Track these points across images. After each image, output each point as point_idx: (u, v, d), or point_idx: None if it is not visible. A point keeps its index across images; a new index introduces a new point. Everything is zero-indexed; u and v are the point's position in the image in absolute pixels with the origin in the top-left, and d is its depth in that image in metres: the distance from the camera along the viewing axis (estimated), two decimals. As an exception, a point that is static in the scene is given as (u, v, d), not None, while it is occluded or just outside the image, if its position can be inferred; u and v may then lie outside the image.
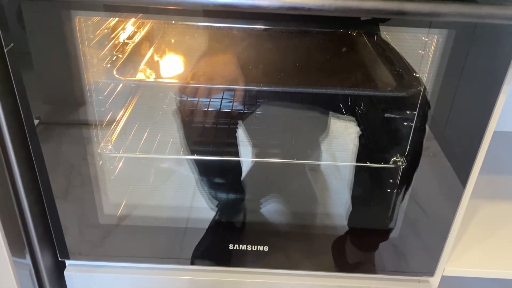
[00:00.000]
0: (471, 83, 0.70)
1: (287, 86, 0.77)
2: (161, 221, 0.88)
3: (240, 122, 0.99)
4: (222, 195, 0.96)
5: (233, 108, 0.94)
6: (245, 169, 0.97)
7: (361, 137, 0.95)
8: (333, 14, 0.54)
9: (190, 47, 0.94)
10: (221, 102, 0.96)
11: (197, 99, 0.94)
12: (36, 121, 0.73)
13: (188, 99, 0.93)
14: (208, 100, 0.96)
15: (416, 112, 0.77)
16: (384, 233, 0.86)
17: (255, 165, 0.97)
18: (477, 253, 0.91)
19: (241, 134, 0.99)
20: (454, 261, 0.89)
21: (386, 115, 0.82)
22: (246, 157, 0.96)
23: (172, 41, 0.97)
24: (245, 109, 0.98)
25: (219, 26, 0.91)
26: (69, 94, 0.71)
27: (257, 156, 0.98)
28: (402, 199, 0.82)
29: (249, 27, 0.84)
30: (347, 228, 0.88)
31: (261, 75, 0.81)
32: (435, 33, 0.68)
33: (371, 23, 0.72)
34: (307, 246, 0.88)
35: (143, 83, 0.88)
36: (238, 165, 0.96)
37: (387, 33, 0.83)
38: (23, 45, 0.66)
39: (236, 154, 0.95)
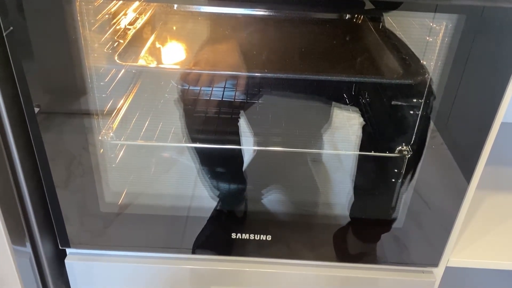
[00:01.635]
0: (480, 70, 0.68)
1: (292, 73, 0.76)
2: (163, 210, 0.87)
3: (242, 112, 0.98)
4: (224, 185, 0.95)
5: (236, 97, 0.93)
6: (247, 159, 0.95)
7: (365, 127, 0.93)
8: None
9: (192, 34, 0.93)
10: (223, 91, 0.95)
11: (199, 88, 0.93)
12: (36, 109, 0.72)
13: (190, 87, 0.92)
14: (210, 89, 0.95)
15: (423, 100, 0.76)
16: (388, 224, 0.85)
17: (257, 155, 0.96)
18: (481, 244, 0.90)
19: (243, 125, 0.97)
20: (458, 252, 0.88)
21: (393, 102, 0.81)
22: (248, 151, 0.95)
23: (174, 28, 0.96)
24: (248, 98, 0.97)
25: (222, 12, 0.89)
26: (70, 79, 0.70)
27: (259, 146, 0.97)
28: (406, 189, 0.81)
29: (252, 13, 0.83)
30: (351, 219, 0.87)
31: (264, 61, 0.79)
32: (443, 19, 0.67)
33: (377, 8, 0.70)
34: (311, 236, 0.88)
35: (145, 69, 0.87)
36: (239, 154, 0.95)
37: (393, 20, 0.82)
38: (23, 28, 0.64)
39: (238, 143, 0.94)
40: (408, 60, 0.80)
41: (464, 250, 0.89)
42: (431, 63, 0.72)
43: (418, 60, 0.76)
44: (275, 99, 1.00)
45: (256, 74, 0.78)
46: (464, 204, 0.80)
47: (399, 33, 0.83)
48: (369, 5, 0.67)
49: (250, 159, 0.96)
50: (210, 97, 0.95)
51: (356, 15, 0.95)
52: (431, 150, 0.76)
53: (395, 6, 0.66)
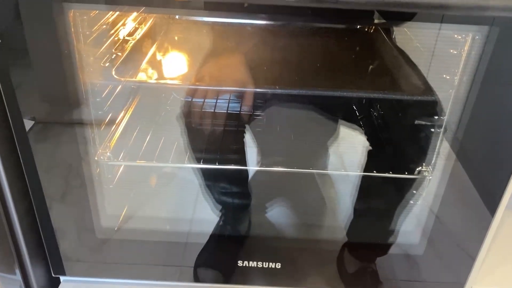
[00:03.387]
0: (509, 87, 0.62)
1: (304, 89, 0.70)
2: (162, 236, 0.82)
3: (247, 126, 0.92)
4: (229, 206, 0.90)
5: (242, 111, 0.88)
6: (251, 173, 0.90)
7: (379, 147, 0.88)
8: (364, 7, 0.47)
9: (195, 46, 0.88)
10: (228, 103, 0.90)
11: (202, 100, 0.88)
12: (28, 126, 0.67)
13: (193, 100, 0.87)
14: (215, 101, 0.90)
15: (445, 118, 0.70)
16: (407, 250, 0.80)
17: (263, 173, 0.91)
18: (506, 270, 0.84)
19: (248, 139, 0.92)
20: (482, 279, 0.82)
21: (416, 122, 0.75)
22: (253, 162, 0.90)
23: (176, 38, 0.91)
24: (254, 112, 0.91)
25: (226, 22, 0.84)
26: (63, 96, 0.65)
27: (263, 161, 0.92)
28: (427, 213, 0.75)
29: (257, 23, 0.79)
30: (367, 244, 0.82)
31: (274, 76, 0.74)
32: (471, 30, 0.61)
33: (394, 18, 0.65)
34: (324, 263, 0.82)
35: (145, 85, 0.81)
36: (245, 173, 0.89)
37: (412, 31, 0.76)
38: (12, 41, 0.60)
39: (244, 161, 0.88)
40: (429, 74, 0.74)
41: (487, 277, 0.83)
42: (455, 78, 0.67)
43: (441, 74, 0.71)
44: (282, 113, 0.94)
45: (266, 91, 0.72)
46: (492, 227, 0.74)
47: (416, 45, 0.78)
48: (383, 16, 0.61)
49: (256, 176, 0.90)
50: (214, 110, 0.89)
51: (368, 26, 0.90)
52: (454, 172, 0.71)
53: (412, 17, 0.61)
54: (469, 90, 0.64)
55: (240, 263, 0.80)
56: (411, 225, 0.80)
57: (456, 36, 0.66)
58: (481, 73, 0.62)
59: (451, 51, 0.68)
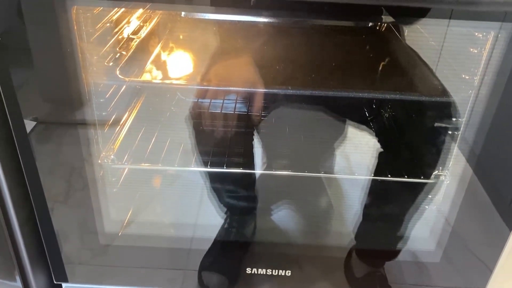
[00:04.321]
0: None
1: (317, 90, 0.67)
2: (167, 242, 0.80)
3: (255, 128, 0.90)
4: (235, 207, 0.87)
5: (249, 112, 0.85)
6: (258, 178, 0.87)
7: (391, 148, 0.85)
8: (387, 3, 0.44)
9: (202, 44, 0.85)
10: (235, 105, 0.87)
11: (209, 100, 0.85)
12: (32, 123, 0.65)
13: (199, 100, 0.84)
14: (221, 101, 0.87)
15: (463, 120, 0.67)
16: (421, 257, 0.77)
17: (270, 175, 0.88)
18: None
19: (256, 141, 0.89)
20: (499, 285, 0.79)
21: (430, 123, 0.72)
22: (259, 164, 0.88)
23: (181, 36, 0.88)
24: (262, 112, 0.88)
25: (234, 20, 0.82)
26: (65, 97, 0.63)
27: (270, 163, 0.89)
28: (443, 219, 0.73)
29: (267, 21, 0.76)
30: (381, 250, 0.79)
31: (283, 76, 0.71)
32: (493, 28, 0.58)
33: (405, 15, 0.62)
34: (337, 271, 0.79)
35: (150, 85, 0.79)
36: (253, 176, 0.86)
37: (426, 28, 0.73)
38: (13, 39, 0.58)
39: (252, 164, 0.86)
40: (446, 74, 0.71)
41: (505, 284, 0.80)
42: (475, 78, 0.64)
43: (459, 74, 0.68)
44: (290, 115, 0.92)
45: (278, 92, 0.70)
46: (508, 243, 0.71)
47: (431, 43, 0.75)
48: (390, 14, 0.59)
49: (262, 177, 0.88)
50: (224, 111, 0.87)
51: (379, 23, 0.87)
52: (473, 176, 0.68)
53: (426, 13, 0.58)
54: (491, 91, 0.62)
55: (248, 270, 0.77)
56: (425, 231, 0.78)
57: (476, 34, 0.63)
58: (504, 73, 0.59)
59: (471, 49, 0.65)
